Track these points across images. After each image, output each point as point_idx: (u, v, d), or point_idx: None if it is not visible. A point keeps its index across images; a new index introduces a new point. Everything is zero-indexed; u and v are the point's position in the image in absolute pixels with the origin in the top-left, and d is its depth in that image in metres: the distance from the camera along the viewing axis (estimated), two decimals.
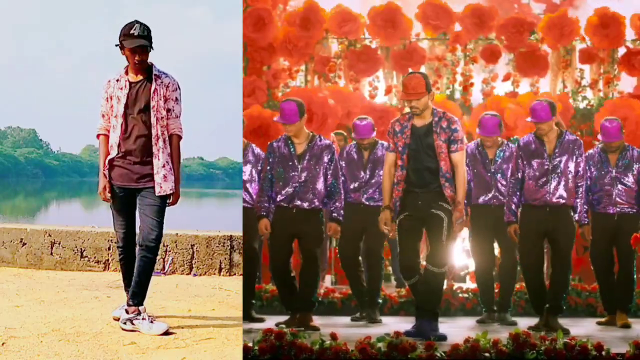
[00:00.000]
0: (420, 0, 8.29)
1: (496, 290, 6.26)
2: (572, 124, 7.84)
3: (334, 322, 5.80)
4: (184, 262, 7.41)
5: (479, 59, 8.35)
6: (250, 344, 4.20)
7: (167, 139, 4.93)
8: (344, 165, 6.10)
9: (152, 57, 4.93)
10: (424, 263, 5.26)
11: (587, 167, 5.78)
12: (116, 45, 4.90)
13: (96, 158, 5.24)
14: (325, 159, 5.54)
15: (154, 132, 4.88)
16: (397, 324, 5.71)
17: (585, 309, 6.52)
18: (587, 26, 8.15)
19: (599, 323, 6.01)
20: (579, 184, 5.56)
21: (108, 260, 7.49)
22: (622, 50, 8.24)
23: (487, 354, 4.24)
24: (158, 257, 6.18)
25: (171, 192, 4.91)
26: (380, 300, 6.17)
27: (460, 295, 6.57)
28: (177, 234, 7.42)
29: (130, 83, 4.92)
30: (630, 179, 5.93)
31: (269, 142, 5.72)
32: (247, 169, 5.89)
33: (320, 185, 5.52)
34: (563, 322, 5.52)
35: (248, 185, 5.86)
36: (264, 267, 6.20)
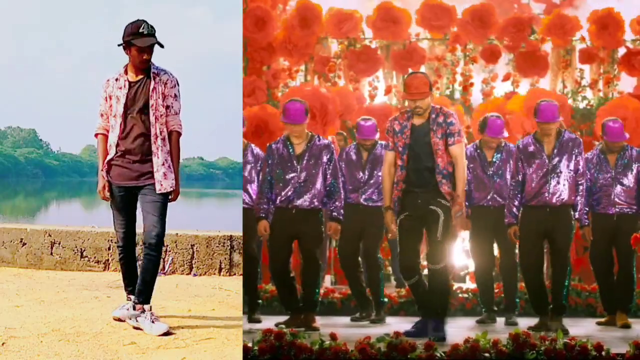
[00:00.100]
0: (421, 2, 8.29)
1: (496, 291, 6.26)
2: (572, 124, 7.84)
3: (333, 322, 5.80)
4: (184, 262, 7.41)
5: (479, 59, 8.36)
6: (250, 344, 4.20)
7: (166, 137, 4.91)
8: (343, 166, 6.11)
9: (153, 57, 4.91)
10: (424, 263, 5.27)
11: (586, 167, 5.78)
12: (119, 45, 4.87)
13: (96, 158, 5.22)
14: (324, 159, 5.54)
15: (153, 130, 4.86)
16: (397, 324, 5.72)
17: (585, 309, 6.52)
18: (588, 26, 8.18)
19: (598, 323, 6.02)
20: (579, 182, 5.56)
21: (108, 260, 7.49)
22: (622, 51, 8.25)
23: (487, 354, 4.23)
24: None
25: (171, 189, 4.90)
26: (386, 300, 6.18)
27: (460, 295, 6.58)
28: (177, 234, 7.42)
29: (130, 82, 4.91)
30: (629, 179, 5.93)
31: (267, 144, 5.73)
32: (247, 169, 5.90)
33: (319, 185, 5.53)
34: (563, 322, 5.52)
35: (248, 185, 5.87)
36: (264, 267, 6.20)
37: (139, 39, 4.79)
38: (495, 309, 6.15)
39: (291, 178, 5.52)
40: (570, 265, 5.58)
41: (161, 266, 7.34)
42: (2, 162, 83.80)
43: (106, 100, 4.99)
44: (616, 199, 5.93)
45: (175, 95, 4.95)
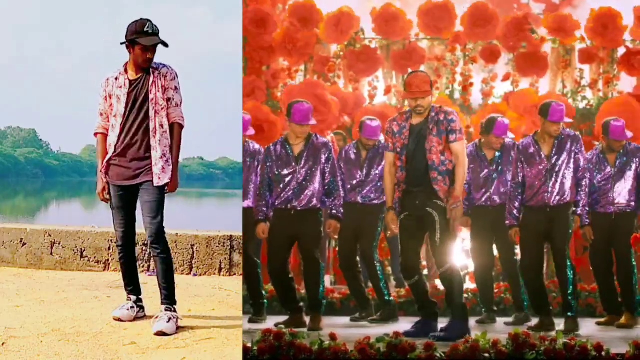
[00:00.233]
0: (421, 1, 8.28)
1: (496, 291, 6.25)
2: (571, 124, 7.84)
3: (333, 323, 5.79)
4: (184, 262, 7.41)
5: (479, 59, 8.36)
6: (250, 345, 4.20)
7: (166, 130, 4.88)
8: (342, 165, 6.12)
9: (154, 57, 4.92)
10: (424, 263, 5.28)
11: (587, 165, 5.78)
12: (122, 43, 4.86)
13: (96, 158, 5.23)
14: (323, 158, 5.55)
15: (152, 124, 4.84)
16: (397, 324, 5.73)
17: (585, 309, 6.50)
18: (586, 26, 8.17)
19: (598, 323, 6.01)
20: (581, 179, 5.56)
21: (108, 260, 7.49)
22: (621, 50, 8.25)
23: (486, 355, 4.24)
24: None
25: (168, 181, 4.88)
26: (392, 299, 6.18)
27: None
28: (177, 234, 7.42)
29: (130, 81, 4.90)
30: (628, 176, 5.94)
31: (266, 146, 5.73)
32: (246, 166, 5.90)
33: (318, 184, 5.53)
34: (560, 321, 5.52)
35: (247, 183, 5.86)
36: (263, 267, 6.20)
37: (144, 38, 4.78)
38: (495, 309, 6.15)
39: (290, 179, 5.52)
40: (570, 260, 5.56)
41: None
42: (2, 162, 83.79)
43: (106, 100, 4.98)
44: (615, 198, 5.93)
45: (176, 88, 4.92)
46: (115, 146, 4.92)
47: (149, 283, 6.02)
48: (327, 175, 5.55)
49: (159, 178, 4.85)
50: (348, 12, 8.25)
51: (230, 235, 7.42)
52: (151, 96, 4.84)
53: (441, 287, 5.61)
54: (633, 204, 5.94)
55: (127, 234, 5.09)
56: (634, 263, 5.97)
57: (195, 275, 7.34)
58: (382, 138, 6.12)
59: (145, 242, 5.95)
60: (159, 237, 4.87)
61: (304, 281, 5.63)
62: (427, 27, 8.28)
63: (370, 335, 4.36)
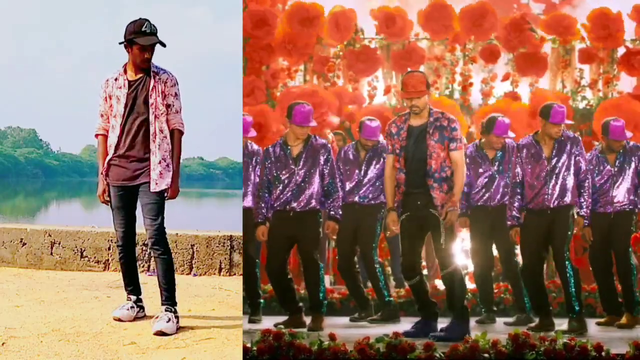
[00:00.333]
0: (421, 1, 8.28)
1: (496, 291, 6.25)
2: (571, 124, 7.84)
3: (332, 323, 5.79)
4: (184, 262, 7.41)
5: (478, 59, 8.36)
6: (249, 345, 4.20)
7: (167, 135, 4.90)
8: (341, 165, 6.13)
9: (153, 57, 4.91)
10: (424, 263, 5.28)
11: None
12: (120, 43, 4.86)
13: (96, 158, 5.24)
14: (322, 159, 5.55)
15: (152, 129, 4.85)
16: (396, 325, 5.73)
17: (585, 309, 6.50)
18: (586, 25, 8.17)
19: (598, 323, 6.01)
20: (583, 180, 5.56)
21: (108, 260, 7.49)
22: (621, 50, 8.25)
23: (486, 355, 4.24)
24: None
25: (166, 187, 4.89)
26: (392, 299, 6.18)
27: None
28: (177, 234, 7.42)
29: (130, 82, 4.91)
30: (627, 175, 5.94)
31: (265, 148, 5.73)
32: (245, 166, 5.90)
33: (317, 185, 5.54)
34: (563, 321, 5.52)
35: (246, 181, 5.87)
36: (261, 267, 6.20)
37: (142, 38, 4.78)
38: (495, 309, 6.15)
39: (289, 180, 5.53)
40: (570, 260, 5.55)
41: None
42: (2, 162, 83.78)
43: (106, 100, 4.98)
44: (614, 198, 5.93)
45: (176, 94, 4.94)
46: (115, 147, 4.93)
47: (149, 283, 6.02)
48: (325, 176, 5.55)
49: (156, 184, 4.85)
50: (348, 12, 8.25)
51: (230, 236, 7.42)
52: (151, 101, 4.85)
53: (441, 287, 5.61)
54: (632, 201, 5.94)
55: (127, 234, 5.09)
56: (633, 263, 5.97)
57: (195, 275, 7.35)
58: (381, 138, 6.13)
59: (145, 242, 5.96)
60: (159, 238, 4.88)
61: (304, 282, 5.64)
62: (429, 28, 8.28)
63: (370, 335, 4.36)
